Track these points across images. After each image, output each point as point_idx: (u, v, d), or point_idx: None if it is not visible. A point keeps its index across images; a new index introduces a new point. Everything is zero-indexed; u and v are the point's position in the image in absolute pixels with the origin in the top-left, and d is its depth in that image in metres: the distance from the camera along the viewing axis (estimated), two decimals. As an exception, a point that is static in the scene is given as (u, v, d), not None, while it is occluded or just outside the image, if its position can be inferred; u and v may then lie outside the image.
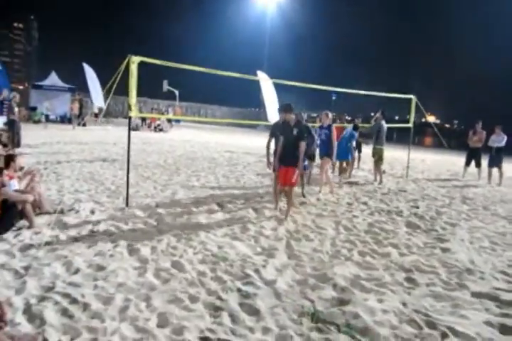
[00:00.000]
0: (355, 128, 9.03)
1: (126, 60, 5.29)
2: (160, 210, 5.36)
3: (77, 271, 3.31)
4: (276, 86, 12.98)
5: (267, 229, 4.84)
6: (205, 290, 3.15)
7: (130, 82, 5.36)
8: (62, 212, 4.88)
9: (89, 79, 17.76)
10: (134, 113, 5.73)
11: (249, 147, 15.77)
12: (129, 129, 5.66)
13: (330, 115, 7.34)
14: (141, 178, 7.49)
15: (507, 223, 6.08)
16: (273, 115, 10.22)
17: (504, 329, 2.80)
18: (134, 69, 5.31)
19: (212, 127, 31.52)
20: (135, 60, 5.30)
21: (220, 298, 3.02)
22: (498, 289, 3.51)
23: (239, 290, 3.18)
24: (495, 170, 10.25)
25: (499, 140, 10.38)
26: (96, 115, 21.92)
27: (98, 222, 4.65)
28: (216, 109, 40.17)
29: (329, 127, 7.15)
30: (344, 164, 8.89)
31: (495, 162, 10.29)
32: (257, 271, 3.56)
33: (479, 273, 3.88)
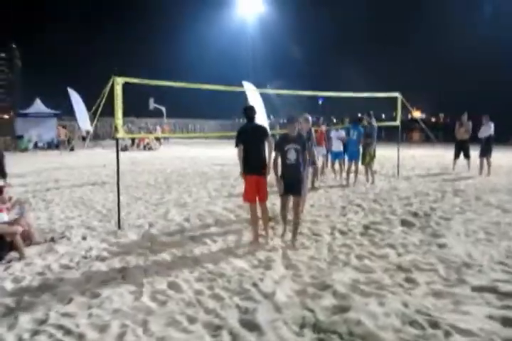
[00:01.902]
0: (359, 121, 8.93)
1: (111, 81, 5.29)
2: (153, 230, 5.29)
3: (70, 301, 3.24)
4: (264, 95, 13.08)
5: (263, 240, 4.79)
6: (203, 309, 3.09)
7: (115, 104, 5.36)
8: (53, 240, 4.80)
9: (75, 103, 17.78)
10: (120, 134, 5.71)
11: (239, 158, 15.73)
12: (117, 151, 5.64)
13: (310, 119, 6.16)
14: (132, 199, 7.42)
15: (500, 212, 6.11)
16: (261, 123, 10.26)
17: (506, 322, 2.78)
18: (118, 90, 5.31)
19: (201, 141, 31.52)
20: (119, 81, 5.31)
21: (218, 316, 2.96)
22: (498, 281, 3.50)
23: (238, 306, 3.12)
24: (485, 159, 10.35)
25: (487, 129, 10.45)
26: (83, 138, 21.85)
27: (90, 248, 4.58)
28: (204, 122, 40.24)
29: (309, 133, 6.10)
30: (353, 166, 8.87)
31: (484, 152, 10.37)
32: (255, 284, 3.50)
33: (477, 266, 3.87)
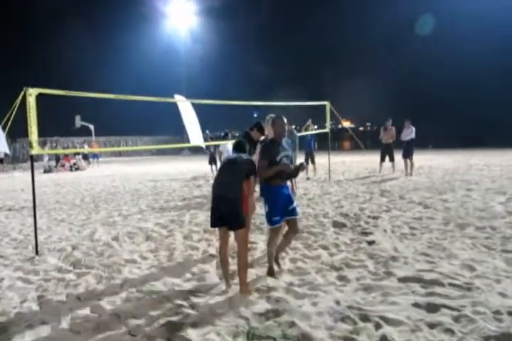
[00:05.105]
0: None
1: (22, 92, 4.86)
2: (76, 253, 4.87)
3: (-28, 340, 2.82)
4: (198, 108, 12.92)
5: (197, 252, 4.63)
6: (129, 329, 2.85)
7: (29, 117, 4.92)
8: (-45, 274, 4.21)
9: None
10: (35, 150, 5.24)
11: (173, 174, 15.40)
12: (32, 167, 5.15)
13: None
14: (54, 222, 6.82)
15: (422, 208, 6.54)
16: (194, 137, 10.08)
17: (430, 308, 2.91)
18: (31, 102, 4.88)
19: (135, 159, 30.41)
20: (32, 93, 4.88)
21: (146, 336, 2.75)
22: (421, 271, 3.68)
23: (168, 322, 2.93)
24: (408, 160, 11.15)
25: (409, 133, 11.32)
26: (1, 161, 19.98)
27: (1, 279, 4.08)
28: (137, 139, 38.89)
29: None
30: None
31: (407, 153, 11.18)
32: (186, 298, 3.33)
33: (403, 258, 4.05)
